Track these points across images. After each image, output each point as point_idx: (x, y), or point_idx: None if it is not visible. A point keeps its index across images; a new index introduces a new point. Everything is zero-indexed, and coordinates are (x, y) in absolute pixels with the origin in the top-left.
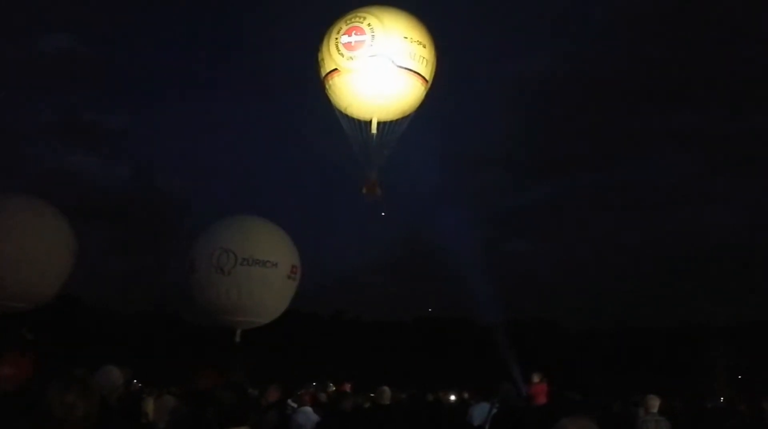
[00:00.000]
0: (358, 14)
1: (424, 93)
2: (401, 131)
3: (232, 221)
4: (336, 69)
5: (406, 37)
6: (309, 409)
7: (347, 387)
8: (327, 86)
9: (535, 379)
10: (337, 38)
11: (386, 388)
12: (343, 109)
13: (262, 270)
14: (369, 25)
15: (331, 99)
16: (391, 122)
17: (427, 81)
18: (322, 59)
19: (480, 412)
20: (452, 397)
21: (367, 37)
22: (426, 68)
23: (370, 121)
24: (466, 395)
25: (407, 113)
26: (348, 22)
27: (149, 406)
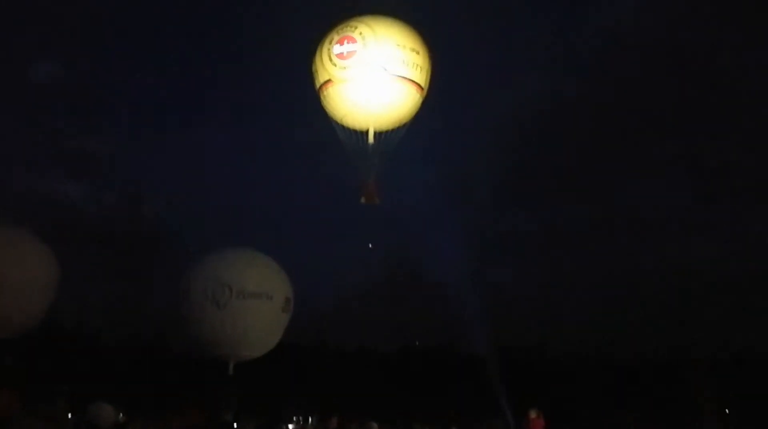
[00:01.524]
0: (350, 24)
1: (421, 100)
2: (398, 139)
3: (228, 254)
4: (330, 80)
5: (398, 45)
6: None
7: (334, 422)
8: (322, 97)
9: (533, 414)
10: (329, 48)
11: (374, 424)
12: (339, 120)
13: (257, 303)
14: (361, 34)
15: (326, 110)
16: (389, 131)
17: (422, 88)
18: (316, 70)
19: None
20: None
21: (358, 46)
22: (421, 75)
23: (368, 131)
24: None
25: (404, 121)
26: (340, 31)
27: None
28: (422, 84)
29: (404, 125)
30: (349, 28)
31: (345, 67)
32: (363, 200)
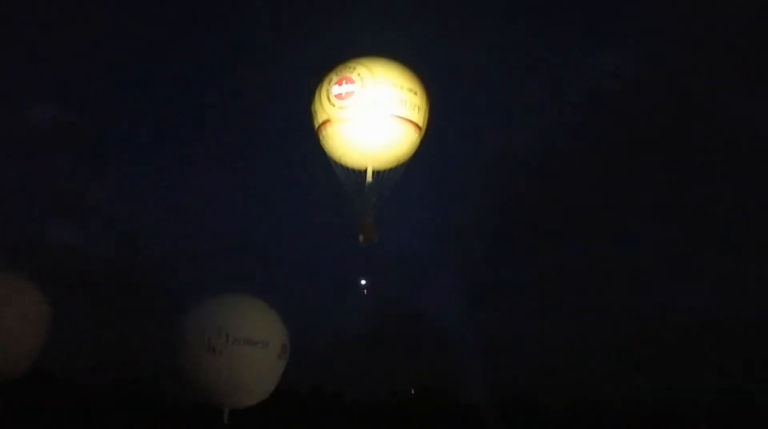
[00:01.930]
0: (349, 65)
1: (419, 140)
2: (396, 178)
3: (224, 299)
4: (328, 119)
5: (396, 86)
6: None
7: None
8: (321, 137)
9: None
10: (328, 89)
11: None
12: (337, 159)
13: (253, 350)
14: (359, 74)
15: (325, 149)
16: (387, 170)
17: (420, 128)
18: (315, 110)
19: None
20: None
21: (357, 87)
22: (419, 115)
23: (366, 170)
24: None
25: (402, 160)
26: (339, 72)
27: None
28: (420, 124)
29: (402, 164)
30: (347, 69)
31: (343, 107)
32: (361, 238)
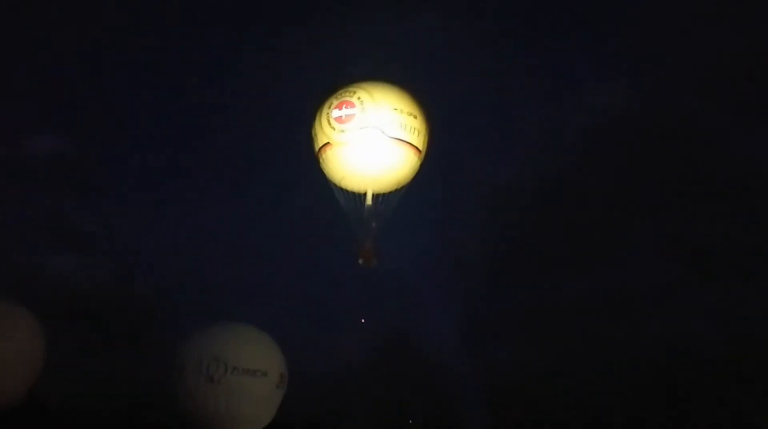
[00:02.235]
0: (349, 89)
1: (419, 164)
2: (396, 202)
3: (222, 328)
4: (328, 143)
5: (396, 109)
6: None
7: None
8: (321, 160)
9: None
10: (328, 113)
11: None
12: (337, 182)
13: (251, 379)
14: (359, 98)
15: (325, 172)
16: (387, 194)
17: (420, 152)
18: (315, 134)
19: None
20: None
21: (357, 110)
22: (419, 139)
23: (366, 194)
24: None
25: (402, 184)
26: (339, 96)
27: None
28: (420, 147)
29: (402, 188)
30: (347, 93)
31: (343, 131)
32: (360, 262)
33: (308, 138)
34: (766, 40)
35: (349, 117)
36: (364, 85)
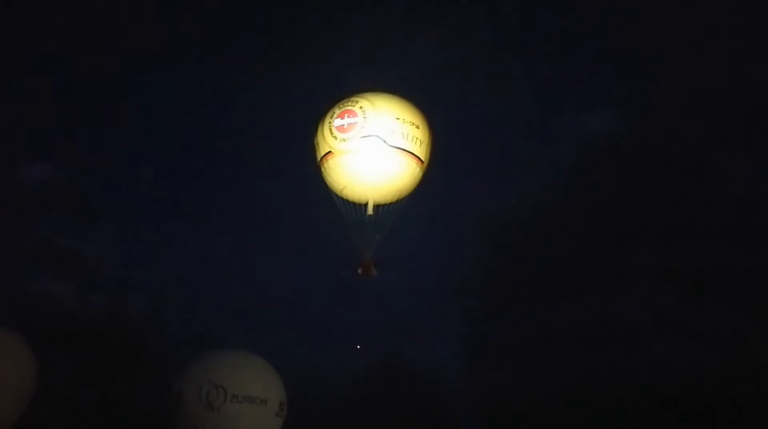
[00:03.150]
0: (352, 98)
1: (421, 174)
2: (398, 213)
3: (222, 355)
4: (330, 152)
5: (398, 118)
6: None
7: None
8: (323, 169)
9: None
10: (330, 122)
11: None
12: (339, 192)
13: (251, 407)
14: (361, 107)
15: (327, 182)
16: (388, 204)
17: (422, 161)
18: (317, 144)
19: None
20: None
21: (359, 119)
22: (420, 149)
23: (367, 203)
24: None
25: (404, 194)
26: (341, 106)
27: None
28: (422, 157)
29: (404, 199)
30: (350, 102)
31: (345, 139)
32: (360, 273)
33: (311, 150)
34: (758, 68)
35: (351, 126)
36: (367, 95)
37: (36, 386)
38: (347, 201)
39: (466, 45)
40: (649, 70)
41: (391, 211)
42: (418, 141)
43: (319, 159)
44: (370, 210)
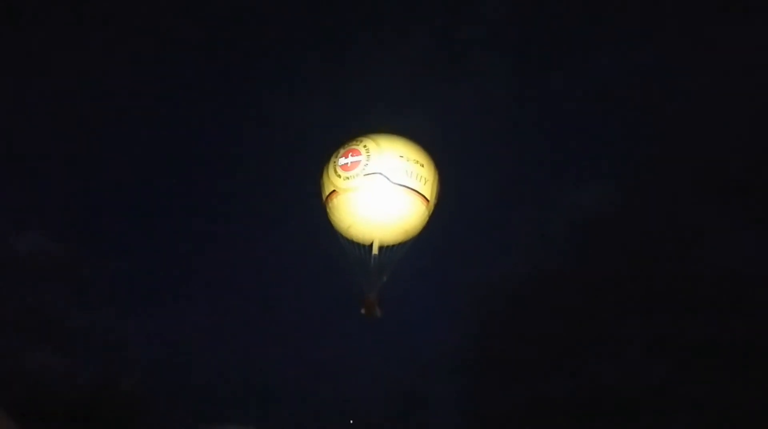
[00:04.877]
0: (357, 138)
1: (427, 214)
2: (402, 254)
3: None
4: (335, 190)
5: (402, 156)
6: None
7: None
8: (328, 209)
9: None
10: (335, 162)
11: None
12: (344, 231)
13: None
14: (365, 146)
15: (332, 222)
16: (393, 245)
17: (428, 200)
18: (323, 184)
19: None
20: None
21: (362, 158)
22: (426, 187)
23: (372, 244)
24: None
25: (410, 234)
26: (346, 146)
27: None
28: (427, 196)
29: (410, 240)
30: (354, 142)
31: (349, 178)
32: (363, 312)
33: (317, 195)
34: (748, 146)
35: (355, 164)
36: (373, 135)
37: None
38: (353, 241)
39: (460, 120)
40: (639, 147)
41: (396, 251)
42: (423, 179)
43: (324, 198)
44: (375, 250)
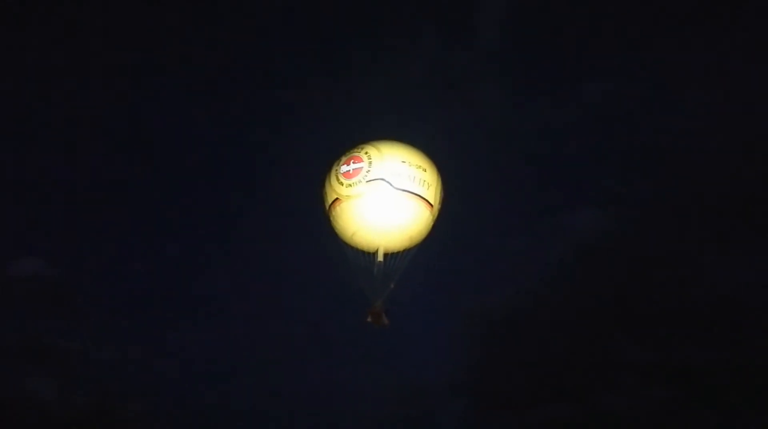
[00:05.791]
0: (358, 146)
1: (431, 219)
2: (408, 261)
3: None
4: (337, 198)
5: (404, 161)
6: None
7: None
8: (331, 217)
9: None
10: (337, 169)
11: None
12: (348, 239)
13: None
14: (366, 153)
15: (336, 231)
16: (398, 252)
17: (432, 205)
18: (325, 193)
19: None
20: None
21: (364, 164)
22: (429, 192)
23: (377, 251)
24: None
25: (415, 241)
26: (348, 154)
27: None
28: (431, 201)
29: (415, 246)
30: (356, 150)
31: (351, 185)
32: (370, 320)
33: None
34: (745, 170)
35: (357, 171)
36: (374, 142)
37: None
38: (357, 250)
39: (457, 143)
40: (636, 171)
41: (401, 258)
42: (426, 184)
43: (327, 207)
44: (380, 257)
